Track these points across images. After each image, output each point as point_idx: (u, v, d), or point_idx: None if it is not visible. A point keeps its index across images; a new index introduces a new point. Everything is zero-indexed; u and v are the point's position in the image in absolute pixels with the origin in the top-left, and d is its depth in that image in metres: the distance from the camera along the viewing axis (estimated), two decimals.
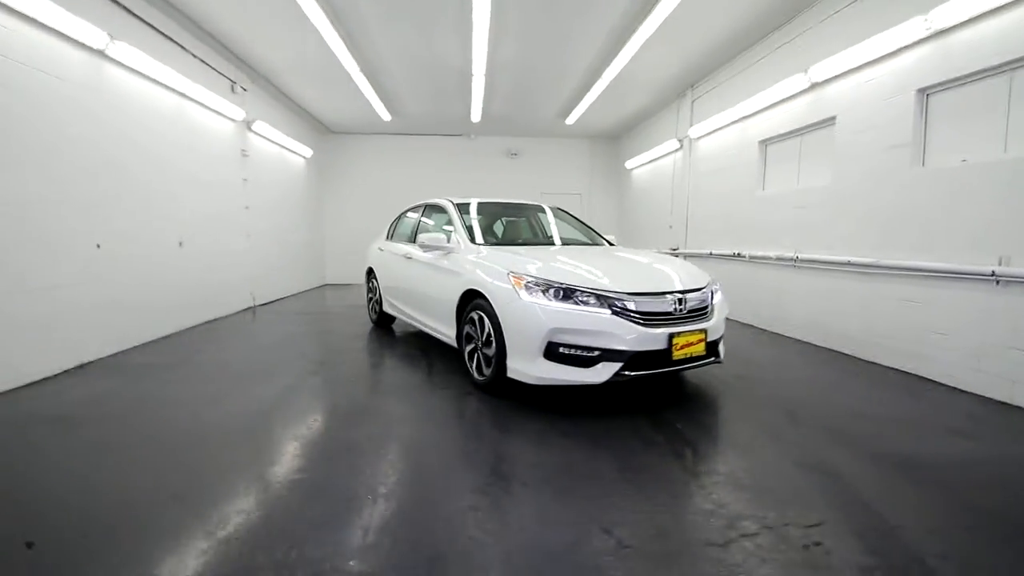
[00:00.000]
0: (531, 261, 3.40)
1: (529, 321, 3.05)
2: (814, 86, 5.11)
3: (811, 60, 5.03)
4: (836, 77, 4.82)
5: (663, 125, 8.96)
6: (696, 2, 5.00)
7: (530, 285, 3.13)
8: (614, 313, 3.00)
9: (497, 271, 3.39)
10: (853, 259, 4.58)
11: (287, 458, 2.51)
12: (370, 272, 6.16)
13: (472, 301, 3.61)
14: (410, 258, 4.81)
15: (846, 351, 4.74)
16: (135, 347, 4.71)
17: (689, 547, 1.79)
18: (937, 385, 3.78)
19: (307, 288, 10.08)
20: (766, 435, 2.85)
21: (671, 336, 3.04)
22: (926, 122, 4.03)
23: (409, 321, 5.02)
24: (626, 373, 2.98)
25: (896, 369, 4.17)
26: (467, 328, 3.66)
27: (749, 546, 1.79)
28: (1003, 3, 3.32)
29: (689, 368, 3.27)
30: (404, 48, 6.27)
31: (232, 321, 6.30)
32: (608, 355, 2.96)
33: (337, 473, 2.34)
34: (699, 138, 7.60)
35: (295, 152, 9.14)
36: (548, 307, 3.02)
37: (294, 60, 6.69)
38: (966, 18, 3.55)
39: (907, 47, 4.04)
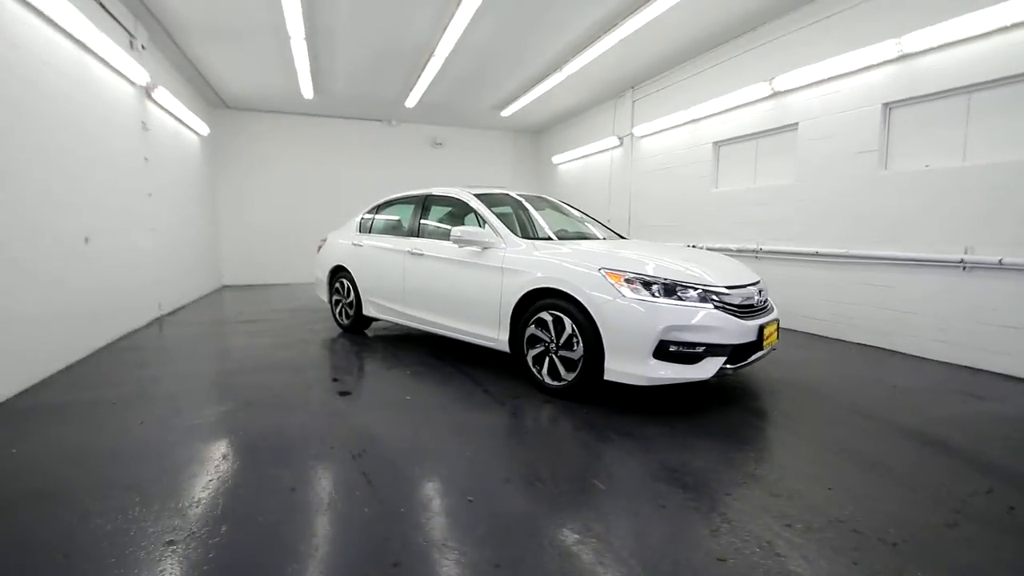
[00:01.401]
0: (610, 256, 3.23)
1: (637, 319, 2.88)
2: (776, 94, 5.67)
3: (775, 70, 5.56)
4: (800, 88, 5.39)
5: (598, 122, 9.25)
6: (674, 8, 5.21)
7: (632, 282, 2.96)
8: (716, 307, 2.98)
9: (583, 268, 3.15)
10: (821, 250, 5.20)
11: None
12: (336, 271, 5.36)
13: (538, 301, 3.33)
14: (419, 254, 4.27)
15: (813, 331, 5.38)
16: (31, 387, 3.48)
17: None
18: (905, 356, 4.46)
19: (207, 292, 8.47)
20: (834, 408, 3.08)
21: (762, 327, 3.12)
22: (888, 132, 4.71)
23: (409, 324, 4.47)
24: (727, 367, 2.99)
25: (864, 344, 4.84)
26: (532, 331, 3.35)
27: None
28: (968, 36, 3.99)
29: (763, 357, 3.39)
30: (369, 17, 5.51)
31: (146, 339, 5.01)
32: (713, 350, 2.93)
33: None
34: (644, 136, 7.99)
35: (192, 128, 7.57)
36: (658, 304, 2.89)
37: (215, 15, 5.48)
38: (935, 45, 4.20)
39: (875, 65, 4.67)
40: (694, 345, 2.90)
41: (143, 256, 5.53)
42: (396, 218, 4.95)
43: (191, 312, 6.66)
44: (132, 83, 5.26)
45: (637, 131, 8.02)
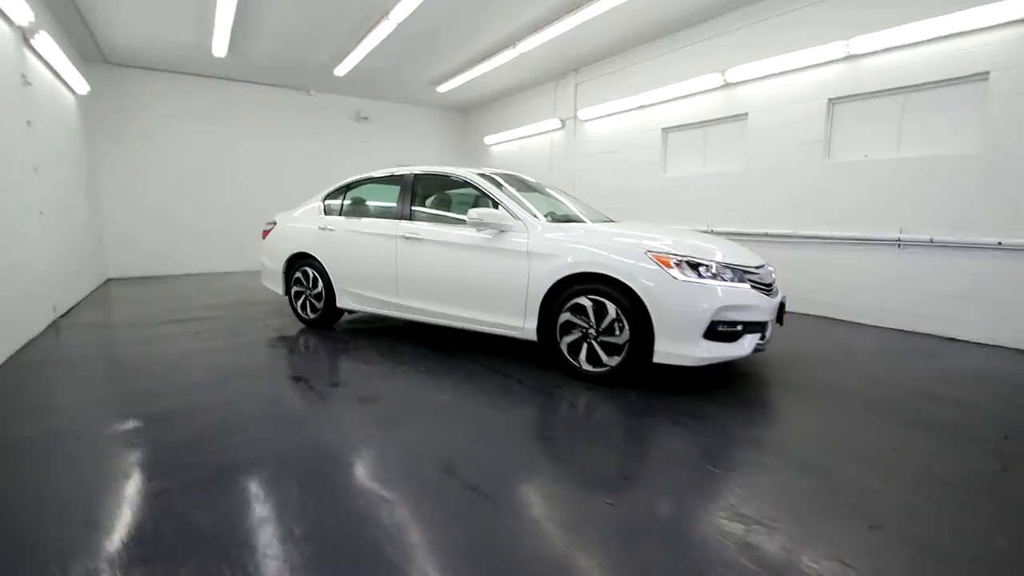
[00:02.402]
0: (651, 238, 3.21)
1: (691, 301, 2.91)
2: (728, 85, 6.04)
3: (728, 62, 5.92)
4: (752, 80, 5.80)
5: (537, 104, 9.19)
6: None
7: (680, 264, 2.98)
8: (752, 286, 3.11)
9: (627, 251, 3.09)
10: (771, 231, 5.71)
11: None
12: (296, 260, 4.73)
13: (571, 287, 3.22)
14: (416, 239, 3.90)
15: None
16: None
17: None
18: (850, 324, 5.10)
19: (94, 287, 7.02)
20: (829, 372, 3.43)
21: (782, 304, 3.33)
22: (832, 124, 5.26)
23: (401, 316, 4.11)
24: (760, 343, 3.16)
25: (813, 315, 5.44)
26: (567, 317, 3.24)
27: None
28: (906, 43, 4.56)
29: None
30: None
31: (54, 351, 4.03)
32: (749, 328, 3.07)
33: None
34: (589, 120, 8.10)
35: (69, 87, 6.13)
36: (709, 285, 2.94)
37: None
38: (878, 49, 4.74)
39: (823, 64, 5.16)
40: (736, 324, 3.01)
41: (32, 247, 4.40)
42: (378, 199, 4.47)
43: (88, 312, 5.49)
44: (11, 23, 4.08)
45: (582, 114, 8.10)
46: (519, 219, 3.53)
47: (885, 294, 4.92)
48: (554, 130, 8.86)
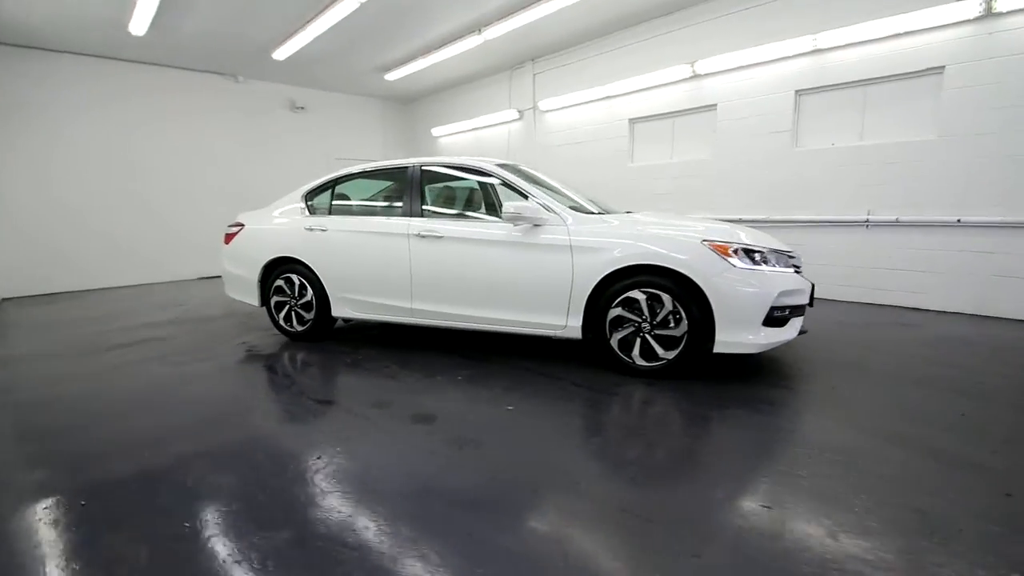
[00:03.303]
0: (704, 229, 3.16)
1: (752, 289, 2.91)
2: (696, 77, 6.21)
3: (697, 54, 6.07)
4: (721, 72, 6.00)
5: (491, 94, 8.93)
6: None
7: (739, 252, 2.96)
8: (795, 271, 3.18)
9: (683, 240, 3.01)
10: (745, 216, 5.97)
11: None
12: (277, 265, 4.16)
13: (619, 281, 3.10)
14: (434, 237, 3.56)
15: None
16: None
17: None
18: (824, 300, 5.47)
19: None
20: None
21: (813, 286, 3.45)
22: (799, 115, 5.58)
23: (417, 322, 3.74)
24: (804, 327, 3.24)
25: None
26: (617, 312, 3.12)
27: None
28: (868, 38, 4.92)
29: None
30: None
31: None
32: (794, 311, 3.14)
33: None
34: (550, 111, 8.00)
35: None
36: (767, 272, 2.96)
37: None
38: (843, 44, 5.07)
39: (791, 57, 5.44)
40: (786, 308, 3.06)
41: None
42: (377, 195, 4.04)
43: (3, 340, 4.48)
44: None
45: (543, 105, 7.99)
46: (554, 212, 3.33)
47: (854, 271, 5.33)
48: (511, 121, 8.67)
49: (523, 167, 4.23)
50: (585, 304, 3.20)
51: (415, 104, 10.68)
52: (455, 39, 6.85)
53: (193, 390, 3.16)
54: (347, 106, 9.88)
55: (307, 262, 4.01)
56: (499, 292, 3.44)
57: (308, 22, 6.06)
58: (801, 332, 3.19)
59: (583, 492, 1.92)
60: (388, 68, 8.18)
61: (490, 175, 3.66)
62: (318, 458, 2.22)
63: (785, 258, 3.15)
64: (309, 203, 4.21)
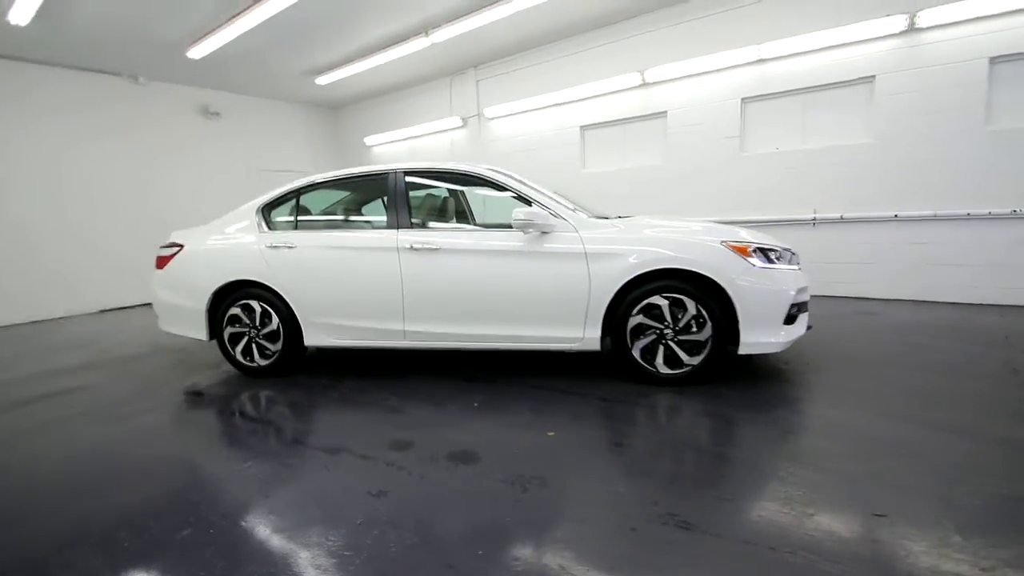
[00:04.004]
0: (720, 230, 3.12)
1: (774, 288, 2.90)
2: (646, 85, 6.35)
3: (646, 62, 6.21)
4: (670, 80, 6.18)
5: (430, 101, 8.58)
6: None
7: (757, 252, 2.94)
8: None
9: (703, 242, 2.95)
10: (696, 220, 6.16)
11: None
12: (230, 290, 3.54)
13: (639, 287, 2.97)
14: (429, 249, 3.20)
15: None
16: None
17: None
18: None
19: None
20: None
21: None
22: (745, 121, 5.88)
23: (409, 346, 3.35)
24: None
25: None
26: (638, 320, 2.97)
27: None
28: (807, 49, 5.28)
29: None
30: None
31: None
32: (800, 308, 3.20)
33: None
34: (497, 118, 7.82)
35: None
36: (784, 271, 2.98)
37: None
38: (785, 54, 5.41)
39: (737, 66, 5.72)
40: (798, 306, 3.10)
41: None
42: (352, 206, 3.59)
43: None
44: None
45: (489, 112, 7.80)
46: (563, 218, 3.14)
47: (804, 267, 5.64)
48: (454, 129, 8.38)
49: (508, 172, 4.00)
50: (604, 313, 3.04)
51: (345, 111, 10.01)
52: (400, 41, 6.47)
53: (141, 456, 2.52)
54: (269, 112, 9.02)
55: (271, 285, 3.45)
56: (508, 306, 3.16)
57: (235, 16, 5.38)
58: (807, 328, 3.26)
59: (694, 526, 1.72)
60: (320, 71, 7.56)
61: (484, 179, 3.38)
62: (359, 523, 1.82)
63: (790, 255, 3.20)
64: (267, 217, 3.65)
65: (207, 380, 3.67)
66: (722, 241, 2.95)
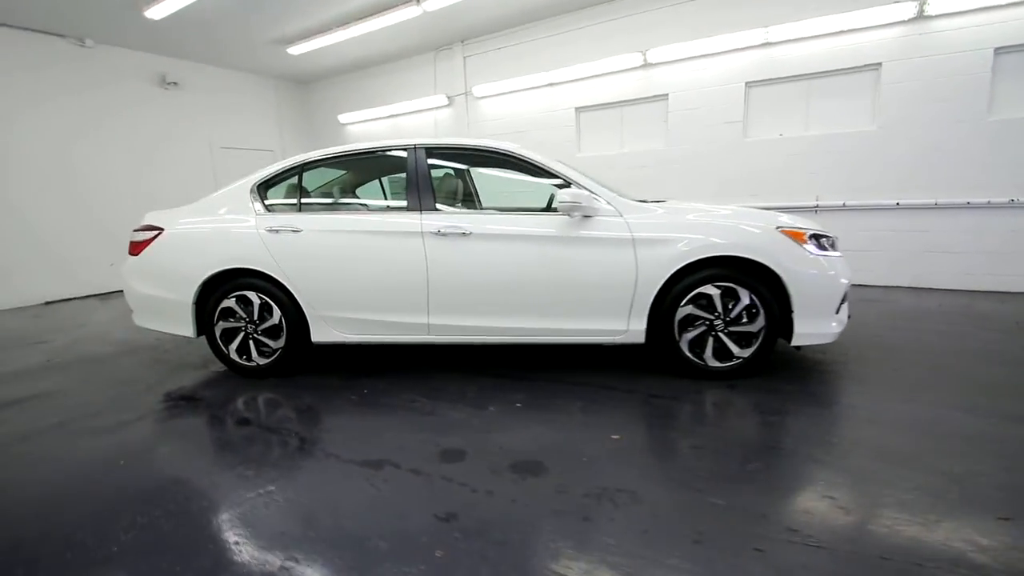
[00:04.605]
0: (772, 214, 2.95)
1: (828, 276, 2.78)
2: (648, 66, 6.15)
3: (648, 42, 6.00)
4: (673, 61, 5.99)
5: (412, 77, 8.09)
6: None
7: (812, 238, 2.80)
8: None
9: (758, 228, 2.78)
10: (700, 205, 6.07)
11: None
12: (222, 280, 3.11)
13: (691, 276, 2.78)
14: (461, 234, 2.88)
15: None
16: None
17: None
18: None
19: None
20: None
21: None
22: (748, 106, 5.78)
23: (429, 340, 3.05)
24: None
25: None
26: (688, 310, 2.79)
27: None
28: (813, 34, 5.21)
29: None
30: None
31: None
32: (845, 298, 3.10)
33: None
34: (486, 97, 7.44)
35: None
36: (836, 258, 2.86)
37: None
38: (791, 38, 5.32)
39: (742, 49, 5.59)
40: (845, 295, 3.00)
41: None
42: (365, 185, 3.20)
43: None
44: None
45: (477, 91, 7.41)
46: (605, 201, 2.90)
47: None
48: (439, 107, 7.95)
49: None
50: (651, 304, 2.83)
51: (317, 86, 9.33)
52: (387, 8, 5.98)
53: (140, 480, 2.13)
54: (233, 84, 8.27)
55: (273, 274, 3.05)
56: (546, 297, 2.90)
57: None
58: (848, 317, 3.17)
59: (823, 543, 1.54)
60: (293, 40, 6.94)
61: (515, 158, 3.09)
62: (439, 556, 1.54)
63: (834, 241, 3.09)
64: (264, 197, 3.23)
65: (196, 383, 3.24)
66: (777, 227, 2.79)
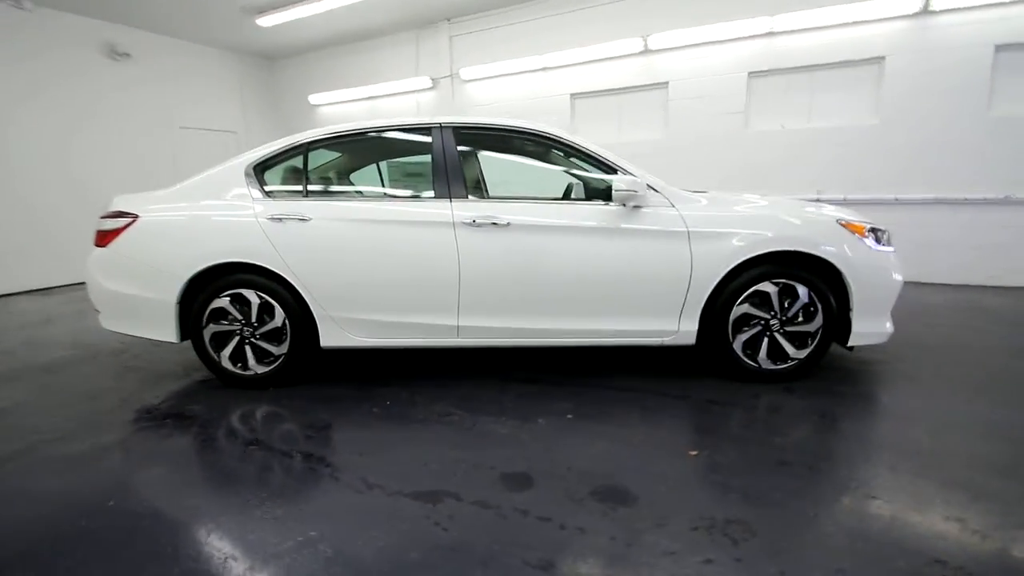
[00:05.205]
0: (827, 207, 2.80)
1: (887, 273, 2.67)
2: (648, 52, 5.94)
3: (649, 28, 5.79)
4: (674, 48, 5.81)
5: (391, 57, 7.58)
6: None
7: (869, 232, 2.65)
8: None
9: (819, 221, 2.63)
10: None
11: None
12: (212, 277, 2.68)
13: (746, 272, 2.58)
14: (498, 224, 2.56)
15: None
16: None
17: None
18: None
19: None
20: None
21: None
22: (750, 97, 5.68)
23: (456, 344, 2.72)
24: None
25: None
26: (743, 309, 2.60)
27: None
28: (818, 25, 5.13)
29: None
30: None
31: None
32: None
33: None
34: (473, 80, 7.05)
35: None
36: (892, 254, 2.73)
37: None
38: (795, 28, 5.23)
39: (745, 38, 5.47)
40: None
41: None
42: (381, 167, 2.81)
43: None
44: None
45: (465, 73, 7.00)
46: (656, 190, 2.66)
47: None
48: (422, 90, 7.49)
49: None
50: (705, 302, 2.62)
51: (287, 63, 8.63)
52: None
53: (139, 526, 1.72)
54: (192, 58, 7.50)
55: (276, 270, 2.64)
56: (592, 295, 2.64)
57: None
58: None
59: (960, 571, 1.37)
60: (263, 9, 6.31)
61: (556, 141, 2.80)
62: None
63: (889, 236, 2.96)
64: (262, 181, 2.79)
65: (180, 395, 2.79)
66: (837, 220, 2.63)
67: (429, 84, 7.35)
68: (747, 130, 5.72)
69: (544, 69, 6.56)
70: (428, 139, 2.77)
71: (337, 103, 8.27)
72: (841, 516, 1.65)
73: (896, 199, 5.15)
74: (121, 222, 2.77)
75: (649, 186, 2.63)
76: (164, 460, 2.14)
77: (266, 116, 8.66)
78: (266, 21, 6.54)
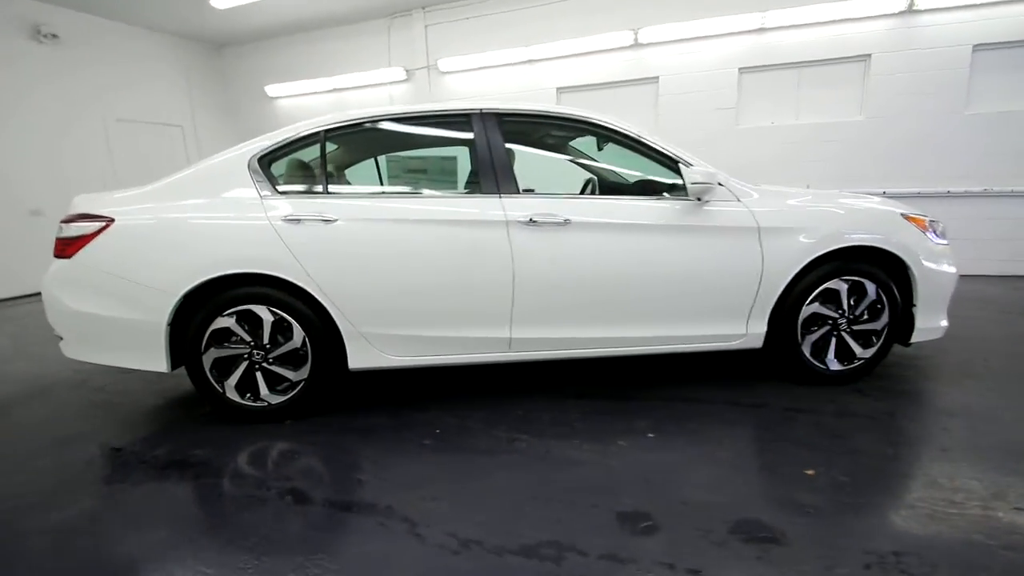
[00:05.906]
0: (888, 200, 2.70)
1: (947, 267, 2.58)
2: (638, 46, 5.81)
3: (639, 21, 5.66)
4: (665, 43, 5.71)
5: (360, 46, 7.07)
6: None
7: (930, 224, 2.57)
8: None
9: (885, 215, 2.51)
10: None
11: None
12: (212, 291, 2.22)
13: (815, 270, 2.44)
14: (558, 223, 2.27)
15: None
16: None
17: None
18: None
19: None
20: None
21: None
22: (741, 92, 5.67)
23: (508, 359, 2.41)
24: None
25: None
26: (812, 309, 2.45)
27: None
28: (807, 22, 5.18)
29: None
30: None
31: None
32: None
33: None
34: (452, 72, 6.67)
35: None
36: (948, 247, 2.65)
37: None
38: (785, 24, 5.26)
39: (736, 33, 5.44)
40: None
41: None
42: (415, 161, 2.43)
43: None
44: None
45: (444, 65, 6.62)
46: (721, 183, 2.46)
47: None
48: (394, 82, 7.02)
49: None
50: (775, 302, 2.46)
51: (240, 51, 7.85)
52: None
53: None
54: (131, 42, 6.65)
55: (295, 280, 2.22)
56: (661, 299, 2.41)
57: None
58: None
59: None
60: None
61: (612, 131, 2.54)
62: None
63: (944, 229, 2.91)
64: (271, 176, 2.35)
65: (173, 438, 2.30)
66: (901, 213, 2.54)
67: (403, 76, 6.91)
68: (738, 126, 5.72)
69: (529, 62, 6.31)
70: (468, 127, 2.44)
71: (299, 95, 7.62)
72: (1000, 537, 1.49)
73: (884, 193, 5.27)
74: (89, 227, 2.25)
75: (724, 180, 2.45)
76: (180, 532, 1.69)
77: (217, 109, 7.87)
78: (221, 2, 5.87)
